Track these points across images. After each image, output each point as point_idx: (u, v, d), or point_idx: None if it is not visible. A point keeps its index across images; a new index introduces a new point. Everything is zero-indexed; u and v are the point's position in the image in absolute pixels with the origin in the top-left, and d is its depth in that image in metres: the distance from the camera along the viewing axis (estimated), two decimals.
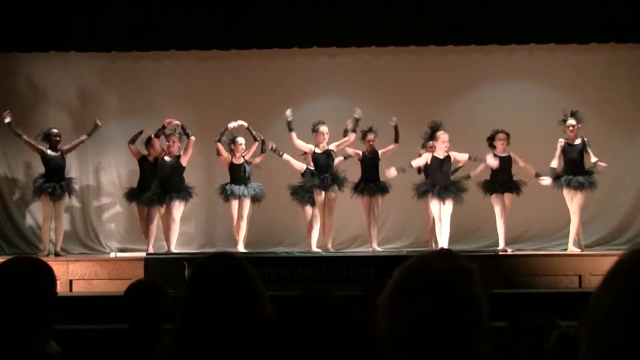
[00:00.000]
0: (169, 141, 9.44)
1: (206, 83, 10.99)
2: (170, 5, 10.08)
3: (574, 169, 9.16)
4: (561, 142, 9.26)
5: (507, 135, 9.40)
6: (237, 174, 9.54)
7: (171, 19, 10.04)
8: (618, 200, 9.91)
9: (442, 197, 9.10)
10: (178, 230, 9.48)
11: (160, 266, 8.07)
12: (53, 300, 2.19)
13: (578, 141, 9.21)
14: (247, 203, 9.51)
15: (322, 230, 9.54)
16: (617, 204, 10.02)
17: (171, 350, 1.96)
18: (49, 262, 2.29)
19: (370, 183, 9.59)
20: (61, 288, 8.05)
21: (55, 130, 9.75)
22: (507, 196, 9.37)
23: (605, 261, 8.19)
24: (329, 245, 9.46)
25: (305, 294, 1.48)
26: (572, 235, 9.28)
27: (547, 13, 9.87)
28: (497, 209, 9.37)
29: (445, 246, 9.16)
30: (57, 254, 9.48)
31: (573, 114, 9.28)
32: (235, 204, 9.50)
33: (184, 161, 9.42)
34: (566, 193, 9.20)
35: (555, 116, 10.20)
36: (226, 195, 9.54)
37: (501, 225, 9.35)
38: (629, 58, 10.70)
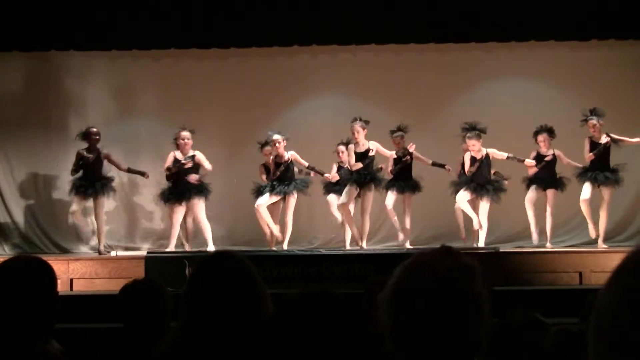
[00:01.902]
0: (182, 139, 9.39)
1: (205, 81, 10.98)
2: (170, 4, 10.07)
3: (601, 165, 9.26)
4: (587, 140, 9.37)
5: (550, 133, 9.49)
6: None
7: (171, 18, 10.03)
8: (618, 198, 9.89)
9: (478, 194, 9.27)
10: (210, 228, 9.42)
11: (161, 265, 8.08)
12: (54, 300, 2.19)
13: (604, 138, 9.28)
14: (292, 200, 9.46)
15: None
16: (618, 201, 10.01)
17: (173, 349, 1.96)
18: (49, 261, 2.29)
19: (401, 181, 9.64)
20: (62, 287, 8.04)
21: (95, 129, 9.68)
22: (550, 192, 9.49)
23: (605, 258, 8.19)
24: (363, 244, 9.43)
25: (306, 291, 1.48)
26: (602, 232, 9.38)
27: (547, 10, 9.86)
28: (530, 202, 9.57)
29: (482, 243, 9.33)
30: (100, 252, 9.52)
31: (592, 112, 9.32)
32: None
33: (197, 160, 9.38)
34: (588, 187, 9.27)
35: (555, 112, 10.22)
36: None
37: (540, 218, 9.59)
38: (630, 54, 10.70)
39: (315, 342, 1.37)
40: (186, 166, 9.30)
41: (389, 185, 9.62)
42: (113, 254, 9.67)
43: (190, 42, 10.44)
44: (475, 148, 9.32)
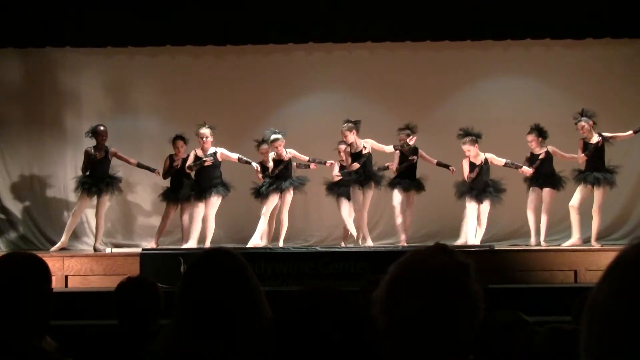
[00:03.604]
0: (202, 137, 9.36)
1: (202, 79, 10.97)
2: (166, 1, 10.05)
3: (593, 166, 9.24)
4: (580, 141, 9.34)
5: (539, 133, 9.47)
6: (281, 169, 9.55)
7: (166, 14, 10.01)
8: (613, 196, 9.92)
9: (479, 199, 9.31)
10: (214, 226, 9.40)
11: (156, 262, 8.07)
12: (48, 296, 2.18)
13: (595, 139, 9.25)
14: (288, 197, 9.50)
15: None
16: (612, 200, 10.04)
17: (167, 346, 1.96)
18: (44, 258, 2.28)
19: (407, 179, 9.63)
20: (57, 284, 8.04)
21: (102, 127, 9.64)
22: (547, 191, 9.50)
23: (600, 256, 8.21)
24: (360, 241, 9.44)
25: (312, 289, 1.46)
26: (594, 233, 9.36)
27: (542, 8, 9.87)
28: (530, 204, 9.57)
29: (479, 241, 9.38)
30: (95, 249, 9.49)
31: (582, 114, 9.30)
32: (276, 198, 9.49)
33: (219, 156, 9.40)
34: (581, 189, 9.28)
35: (550, 110, 10.23)
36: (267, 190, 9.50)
37: (539, 219, 9.57)
38: (625, 53, 10.71)
39: (318, 343, 1.35)
40: (206, 163, 9.29)
41: (394, 183, 9.61)
42: (108, 250, 9.65)
43: (186, 39, 10.42)
44: (472, 153, 9.32)
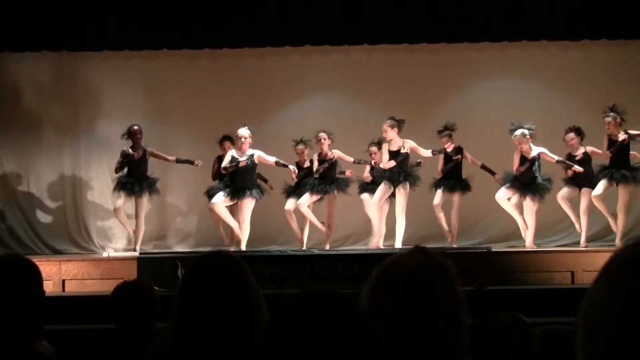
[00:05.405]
0: (240, 138, 9.30)
1: (198, 82, 10.96)
2: (163, 4, 10.05)
3: (618, 163, 9.12)
4: (606, 138, 9.23)
5: (577, 133, 9.36)
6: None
7: (163, 18, 10.01)
8: (612, 197, 9.92)
9: (522, 193, 9.19)
10: (249, 229, 9.32)
11: (153, 266, 8.06)
12: (40, 299, 2.17)
13: (622, 136, 9.13)
14: (332, 199, 9.57)
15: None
16: (611, 201, 10.04)
17: (166, 350, 1.95)
18: (41, 262, 2.27)
19: (451, 180, 9.62)
20: (54, 288, 8.05)
21: (137, 127, 9.67)
22: (585, 191, 9.34)
23: (597, 257, 8.20)
24: (397, 243, 9.39)
25: (310, 291, 1.46)
26: (619, 232, 9.29)
27: (538, 10, 9.88)
28: (566, 205, 9.43)
29: (529, 241, 9.26)
30: (136, 251, 9.50)
31: (611, 109, 9.17)
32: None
33: (256, 159, 9.34)
34: (604, 183, 9.14)
35: (546, 112, 10.22)
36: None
37: (584, 220, 9.39)
38: (621, 54, 10.72)
39: (316, 345, 1.35)
40: (241, 164, 9.23)
41: (438, 184, 9.61)
42: (105, 254, 9.63)
43: (182, 43, 10.41)
44: (524, 148, 9.22)
